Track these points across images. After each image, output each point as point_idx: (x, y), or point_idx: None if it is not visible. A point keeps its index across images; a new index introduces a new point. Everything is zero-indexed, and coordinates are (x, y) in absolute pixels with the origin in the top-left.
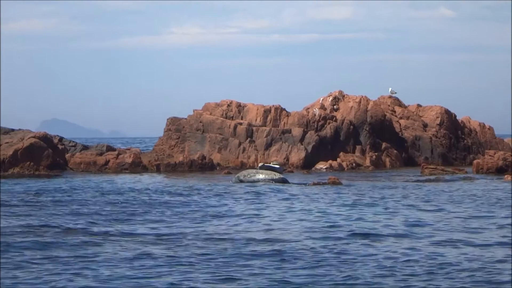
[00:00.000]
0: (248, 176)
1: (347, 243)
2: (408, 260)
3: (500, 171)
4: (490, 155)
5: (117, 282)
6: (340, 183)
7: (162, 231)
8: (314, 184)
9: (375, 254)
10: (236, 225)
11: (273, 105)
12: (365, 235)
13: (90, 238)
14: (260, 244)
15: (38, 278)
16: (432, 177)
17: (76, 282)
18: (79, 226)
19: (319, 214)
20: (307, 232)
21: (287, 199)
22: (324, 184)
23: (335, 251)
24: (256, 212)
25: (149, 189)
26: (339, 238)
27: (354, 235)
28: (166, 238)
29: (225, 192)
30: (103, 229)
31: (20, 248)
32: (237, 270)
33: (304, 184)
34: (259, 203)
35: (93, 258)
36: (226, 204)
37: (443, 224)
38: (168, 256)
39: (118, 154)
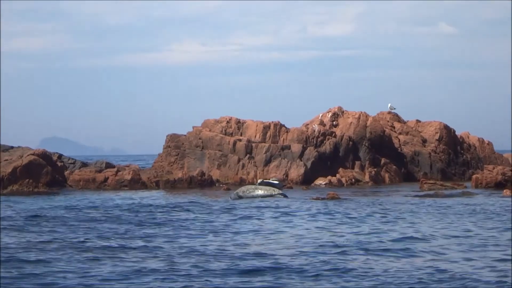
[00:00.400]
0: (247, 192)
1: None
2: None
3: (499, 185)
4: (489, 170)
5: None
6: (339, 198)
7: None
8: (314, 199)
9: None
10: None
11: (272, 122)
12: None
13: None
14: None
15: None
16: (431, 192)
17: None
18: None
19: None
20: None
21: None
22: (323, 199)
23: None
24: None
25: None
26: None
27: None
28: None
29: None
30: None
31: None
32: None
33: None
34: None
35: None
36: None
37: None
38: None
39: (117, 171)
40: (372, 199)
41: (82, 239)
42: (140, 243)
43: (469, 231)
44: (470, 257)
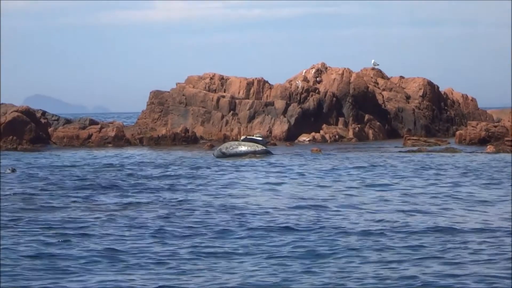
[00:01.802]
0: (230, 148)
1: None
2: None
3: (482, 142)
4: (472, 126)
5: None
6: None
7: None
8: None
9: None
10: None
11: (256, 78)
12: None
13: None
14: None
15: None
16: (414, 148)
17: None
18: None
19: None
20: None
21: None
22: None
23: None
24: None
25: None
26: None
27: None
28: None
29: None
30: None
31: None
32: None
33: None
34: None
35: None
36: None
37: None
38: None
39: (101, 128)
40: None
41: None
42: None
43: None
44: None
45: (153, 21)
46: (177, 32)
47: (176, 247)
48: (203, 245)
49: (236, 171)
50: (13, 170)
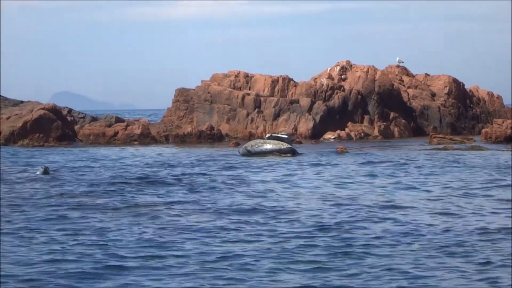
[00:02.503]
0: (256, 146)
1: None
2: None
3: (508, 139)
4: (498, 124)
5: None
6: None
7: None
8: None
9: None
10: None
11: (281, 76)
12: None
13: None
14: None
15: None
16: (440, 146)
17: None
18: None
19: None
20: None
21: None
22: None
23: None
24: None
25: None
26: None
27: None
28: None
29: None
30: None
31: None
32: None
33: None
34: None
35: None
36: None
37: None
38: None
39: (127, 126)
40: (385, 154)
41: None
42: None
43: None
44: None
45: (179, 17)
46: (201, 28)
47: None
48: None
49: (271, 171)
50: (46, 170)
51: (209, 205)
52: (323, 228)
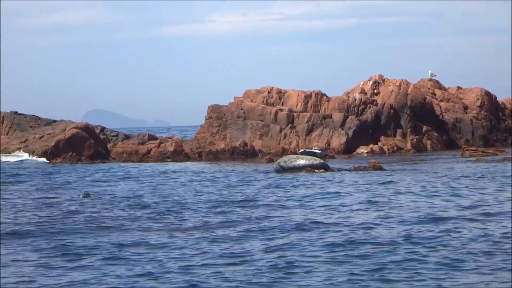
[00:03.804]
0: (289, 161)
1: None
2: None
3: None
4: None
5: None
6: (381, 168)
7: None
8: (355, 168)
9: None
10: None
11: (313, 91)
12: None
13: None
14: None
15: None
16: (472, 158)
17: None
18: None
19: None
20: None
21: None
22: (364, 168)
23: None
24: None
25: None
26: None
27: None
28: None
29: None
30: None
31: None
32: None
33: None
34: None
35: None
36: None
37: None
38: None
39: (160, 143)
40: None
41: None
42: None
43: None
44: None
45: (211, 34)
46: (235, 45)
47: None
48: None
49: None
50: (86, 195)
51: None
52: None
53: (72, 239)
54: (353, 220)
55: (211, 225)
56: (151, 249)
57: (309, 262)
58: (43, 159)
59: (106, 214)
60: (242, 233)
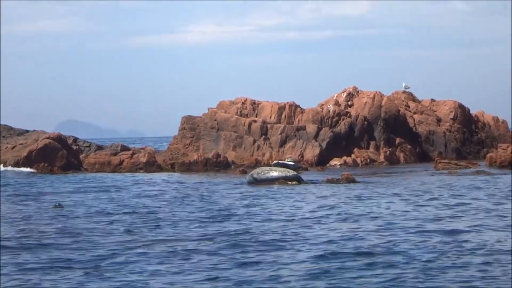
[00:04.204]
0: (262, 173)
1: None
2: None
3: None
4: (503, 149)
5: None
6: (354, 180)
7: None
8: (328, 181)
9: None
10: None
11: (287, 102)
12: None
13: None
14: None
15: None
16: (445, 171)
17: None
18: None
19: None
20: None
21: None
22: (337, 181)
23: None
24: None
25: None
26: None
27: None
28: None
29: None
30: None
31: None
32: None
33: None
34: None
35: None
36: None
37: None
38: None
39: (133, 154)
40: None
41: None
42: None
43: None
44: None
45: (186, 44)
46: (209, 56)
47: None
48: None
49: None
50: (59, 206)
51: None
52: None
53: (48, 252)
54: (322, 233)
55: (182, 238)
56: (124, 263)
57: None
58: (16, 169)
59: (80, 226)
60: (216, 246)
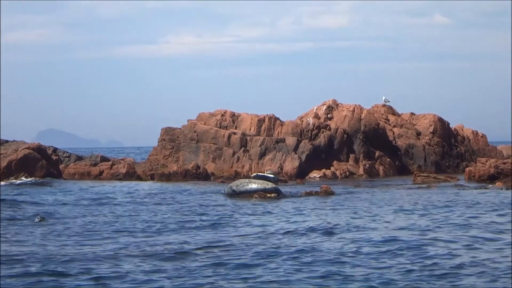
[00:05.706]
0: (241, 185)
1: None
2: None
3: (491, 178)
4: (482, 163)
5: None
6: (332, 193)
7: None
8: (307, 193)
9: None
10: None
11: (267, 115)
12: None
13: None
14: None
15: None
16: (423, 185)
17: None
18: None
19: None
20: None
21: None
22: (316, 193)
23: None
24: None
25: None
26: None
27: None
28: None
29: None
30: None
31: None
32: None
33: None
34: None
35: None
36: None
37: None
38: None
39: (112, 165)
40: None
41: None
42: None
43: None
44: None
45: (166, 55)
46: (189, 67)
47: None
48: None
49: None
50: (42, 219)
51: None
52: None
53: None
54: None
55: (163, 251)
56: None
57: None
58: None
59: (65, 242)
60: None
